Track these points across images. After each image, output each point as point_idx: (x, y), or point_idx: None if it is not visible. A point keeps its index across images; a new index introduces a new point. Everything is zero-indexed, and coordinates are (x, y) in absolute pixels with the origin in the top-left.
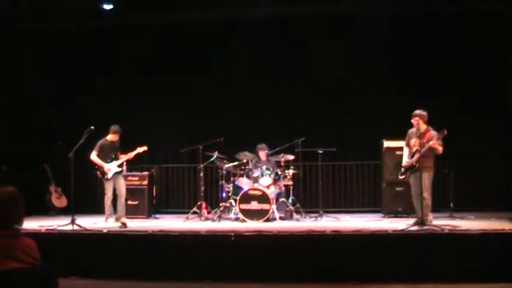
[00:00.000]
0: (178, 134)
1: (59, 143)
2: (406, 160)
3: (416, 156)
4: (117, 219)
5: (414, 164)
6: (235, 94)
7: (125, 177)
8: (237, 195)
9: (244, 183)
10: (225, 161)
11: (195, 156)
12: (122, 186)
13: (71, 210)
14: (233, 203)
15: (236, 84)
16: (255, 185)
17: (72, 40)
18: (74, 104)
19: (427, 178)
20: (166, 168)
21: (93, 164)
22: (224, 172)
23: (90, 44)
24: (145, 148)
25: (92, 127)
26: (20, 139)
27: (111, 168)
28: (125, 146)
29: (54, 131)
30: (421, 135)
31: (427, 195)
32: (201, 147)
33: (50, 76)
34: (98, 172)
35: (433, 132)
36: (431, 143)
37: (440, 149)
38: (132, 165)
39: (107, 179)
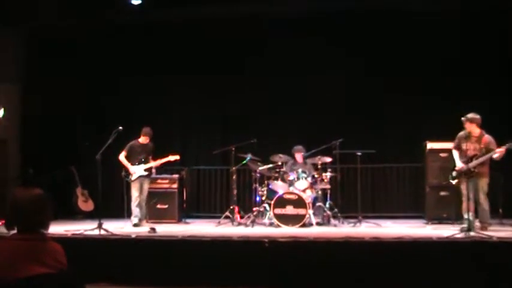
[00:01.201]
0: (210, 135)
1: (86, 144)
2: (459, 164)
3: (476, 161)
4: (138, 223)
5: (472, 169)
6: (269, 93)
7: (154, 180)
8: (272, 199)
9: (279, 186)
10: (258, 163)
11: (227, 158)
12: (145, 190)
13: (98, 214)
14: (267, 208)
15: (271, 83)
16: (291, 189)
17: (96, 38)
18: (100, 104)
19: (485, 184)
20: (198, 170)
21: (121, 165)
22: (258, 175)
23: (117, 42)
24: (177, 157)
25: (120, 127)
26: (46, 140)
27: (136, 170)
28: (156, 148)
29: (81, 132)
30: (477, 140)
31: (485, 201)
32: (233, 149)
33: (73, 76)
34: (124, 173)
35: (488, 137)
36: (498, 150)
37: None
38: (162, 167)
39: (131, 181)
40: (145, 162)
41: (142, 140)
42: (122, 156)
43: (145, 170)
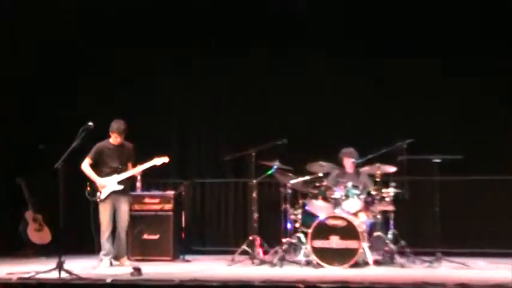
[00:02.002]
0: (220, 134)
1: (40, 147)
2: None
3: None
4: (116, 259)
5: None
6: (303, 77)
7: (139, 198)
8: (309, 227)
9: (320, 208)
10: (290, 175)
11: (244, 166)
12: (123, 212)
13: (57, 249)
14: (302, 239)
15: (307, 66)
16: (336, 212)
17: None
18: (61, 90)
19: None
20: (202, 184)
21: (87, 178)
22: (289, 191)
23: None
24: (165, 159)
25: (91, 123)
26: None
27: (107, 184)
28: (143, 152)
29: (34, 131)
30: None
31: None
32: (253, 154)
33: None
34: (88, 189)
35: None
36: None
37: None
38: (150, 179)
39: (100, 200)
40: (121, 171)
41: (113, 139)
42: (85, 165)
43: (120, 183)
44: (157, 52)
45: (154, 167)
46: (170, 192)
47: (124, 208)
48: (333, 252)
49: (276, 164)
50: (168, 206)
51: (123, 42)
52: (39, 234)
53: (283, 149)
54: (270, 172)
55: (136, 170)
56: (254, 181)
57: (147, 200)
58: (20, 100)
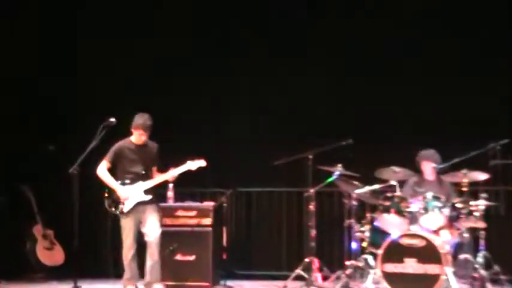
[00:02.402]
0: (268, 134)
1: (49, 148)
2: None
3: None
4: (148, 286)
5: None
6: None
7: (170, 211)
8: (379, 247)
9: (393, 224)
10: (355, 183)
11: (299, 172)
12: (153, 226)
13: (71, 271)
14: (371, 262)
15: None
16: (413, 228)
17: None
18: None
19: None
20: (247, 194)
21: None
22: (354, 203)
23: None
24: (201, 163)
25: (113, 119)
26: None
27: (130, 195)
28: (172, 154)
29: (43, 128)
30: None
31: None
32: (310, 157)
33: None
34: (108, 201)
35: None
36: None
37: None
38: (184, 188)
39: (123, 214)
40: (147, 177)
41: (137, 138)
42: (101, 169)
43: (147, 193)
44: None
45: (188, 173)
46: (209, 204)
47: (153, 221)
48: (409, 279)
49: (338, 170)
50: (206, 221)
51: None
52: (50, 254)
53: (348, 150)
54: (330, 179)
55: (167, 176)
56: (311, 190)
57: (180, 213)
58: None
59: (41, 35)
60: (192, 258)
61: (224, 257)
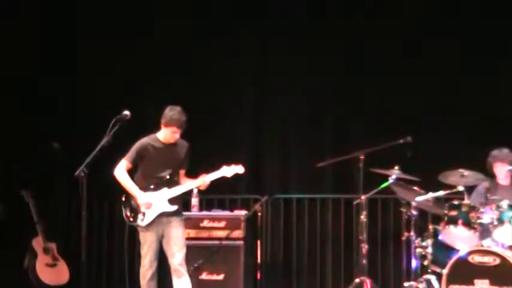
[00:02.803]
0: (311, 132)
1: (54, 146)
2: None
3: None
4: None
5: None
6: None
7: (196, 221)
8: (443, 265)
9: (460, 238)
10: (415, 188)
11: (347, 176)
12: (178, 240)
13: None
14: (434, 283)
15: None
16: (485, 243)
17: None
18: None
19: None
20: (286, 201)
21: (123, 190)
22: (414, 213)
23: None
24: (239, 169)
25: (127, 112)
26: None
27: (153, 202)
28: (198, 157)
29: (44, 126)
30: None
31: None
32: (362, 157)
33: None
34: (125, 210)
35: None
36: None
37: None
38: (211, 194)
39: (143, 227)
40: (173, 183)
41: (168, 136)
42: (121, 171)
43: (172, 202)
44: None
45: (221, 180)
46: (240, 213)
47: (178, 234)
48: None
49: (395, 173)
50: (237, 233)
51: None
52: (53, 271)
53: (407, 150)
54: (386, 184)
55: (197, 183)
56: (363, 197)
57: (206, 224)
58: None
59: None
60: (220, 277)
61: (258, 276)
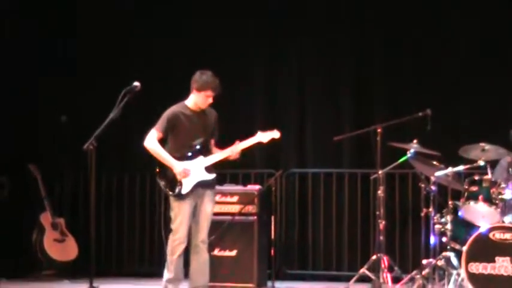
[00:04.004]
0: (327, 104)
1: (62, 119)
2: None
3: None
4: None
5: None
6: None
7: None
8: (463, 243)
9: (481, 214)
10: (435, 163)
11: (364, 150)
12: (206, 217)
13: (86, 268)
14: (453, 260)
15: None
16: (507, 220)
17: None
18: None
19: None
20: (302, 176)
21: (148, 162)
22: (433, 188)
23: None
24: (274, 134)
25: (136, 83)
26: None
27: (191, 169)
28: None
29: (52, 98)
30: None
31: None
32: (379, 130)
33: None
34: (161, 180)
35: None
36: None
37: None
38: (225, 169)
39: (180, 196)
40: (207, 151)
41: (202, 101)
42: (152, 141)
43: (209, 171)
44: None
45: (255, 145)
46: (254, 187)
47: (209, 211)
48: (501, 283)
49: (414, 147)
50: (251, 208)
51: None
52: (61, 247)
53: (426, 124)
54: (404, 159)
55: (235, 150)
56: (380, 172)
57: (219, 199)
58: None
59: None
60: (233, 254)
61: (272, 253)
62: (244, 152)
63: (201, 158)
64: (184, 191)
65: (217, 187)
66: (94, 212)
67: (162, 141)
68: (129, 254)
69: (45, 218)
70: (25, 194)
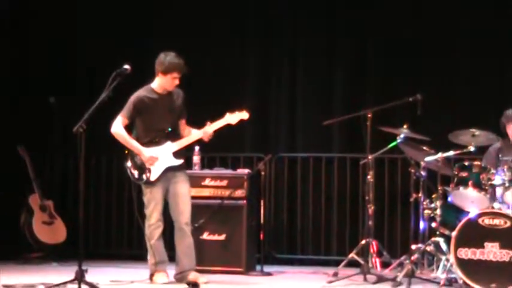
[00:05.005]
0: (318, 86)
1: (50, 101)
2: None
3: None
4: (180, 278)
5: None
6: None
7: (198, 180)
8: (452, 228)
9: (470, 199)
10: (425, 148)
11: (354, 135)
12: (184, 198)
13: (74, 251)
14: (442, 246)
15: None
16: (496, 206)
17: None
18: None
19: None
20: (291, 160)
21: (122, 147)
22: (422, 173)
23: None
24: (243, 115)
25: (127, 66)
26: None
27: (158, 156)
28: (198, 107)
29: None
30: None
31: None
32: (369, 115)
33: None
34: (130, 165)
35: None
36: None
37: None
38: (213, 152)
39: (149, 183)
40: (175, 135)
41: (168, 83)
42: (118, 127)
43: (177, 156)
44: None
45: (224, 127)
46: (243, 171)
47: (184, 191)
48: (490, 268)
49: (403, 132)
50: (240, 192)
51: None
52: (49, 229)
53: (416, 109)
54: (394, 144)
55: (203, 133)
56: (370, 157)
57: (208, 183)
58: None
59: None
60: (222, 237)
61: (261, 237)
62: (233, 136)
63: (168, 143)
64: (152, 177)
65: (207, 171)
66: (83, 195)
67: (129, 127)
68: (117, 237)
69: (34, 200)
70: (14, 175)
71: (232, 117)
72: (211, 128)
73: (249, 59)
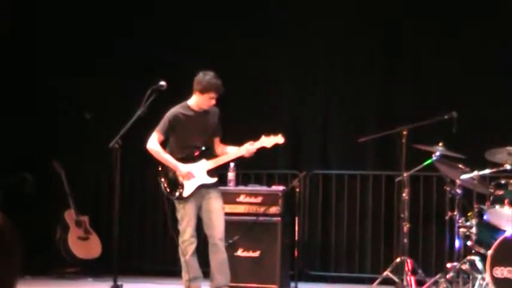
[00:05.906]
0: (352, 105)
1: (86, 117)
2: None
3: None
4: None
5: None
6: None
7: (232, 196)
8: (488, 247)
9: (505, 217)
10: (460, 166)
11: (389, 152)
12: (217, 215)
13: (111, 266)
14: (478, 264)
15: None
16: None
17: None
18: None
19: None
20: (325, 178)
21: (156, 162)
22: (458, 191)
23: None
24: (278, 140)
25: (163, 82)
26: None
27: (193, 173)
28: (234, 128)
29: (75, 95)
30: None
31: None
32: (405, 133)
33: None
34: (163, 181)
35: None
36: None
37: None
38: (249, 170)
39: (182, 199)
40: (210, 154)
41: (205, 102)
42: (154, 143)
43: (211, 174)
44: None
45: (259, 151)
46: (278, 188)
47: (217, 207)
48: None
49: (439, 150)
50: (275, 209)
51: None
52: (85, 245)
53: (452, 126)
54: (429, 161)
55: (240, 153)
56: (405, 174)
57: (243, 199)
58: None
59: None
60: (256, 254)
61: (295, 254)
62: (270, 151)
63: (203, 161)
64: (185, 193)
65: (242, 187)
66: (118, 210)
67: (164, 143)
68: (151, 252)
69: (69, 216)
70: (49, 190)
71: (268, 141)
72: (247, 149)
73: (287, 77)
